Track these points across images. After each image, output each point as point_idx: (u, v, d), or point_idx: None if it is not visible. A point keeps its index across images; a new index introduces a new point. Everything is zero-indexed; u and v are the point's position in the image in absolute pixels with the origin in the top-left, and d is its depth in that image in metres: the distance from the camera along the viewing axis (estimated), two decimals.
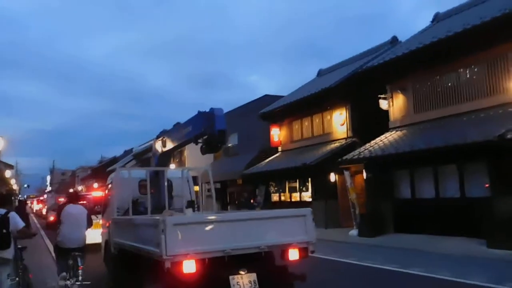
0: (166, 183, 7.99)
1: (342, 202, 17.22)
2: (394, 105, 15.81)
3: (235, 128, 28.86)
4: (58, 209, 7.90)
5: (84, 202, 14.25)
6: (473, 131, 11.50)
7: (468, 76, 13.43)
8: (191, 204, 7.99)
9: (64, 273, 6.80)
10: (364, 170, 15.41)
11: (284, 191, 20.75)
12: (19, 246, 6.33)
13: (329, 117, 19.71)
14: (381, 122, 16.12)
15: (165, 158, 8.04)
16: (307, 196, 18.98)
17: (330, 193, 17.49)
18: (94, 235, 13.26)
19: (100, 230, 12.68)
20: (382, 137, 15.38)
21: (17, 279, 6.02)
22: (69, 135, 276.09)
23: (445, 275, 7.80)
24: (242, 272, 4.85)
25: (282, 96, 25.03)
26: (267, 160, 22.41)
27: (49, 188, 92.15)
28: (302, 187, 19.41)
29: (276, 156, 22.39)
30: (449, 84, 13.94)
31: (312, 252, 5.23)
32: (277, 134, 23.06)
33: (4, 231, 5.61)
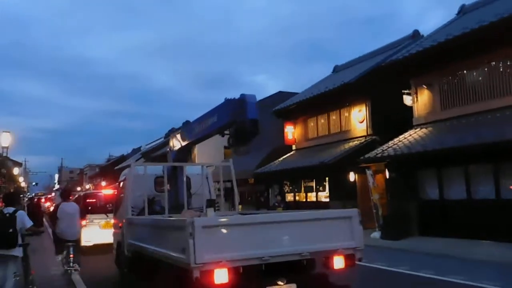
0: (184, 180, 7.32)
1: (362, 202, 16.42)
2: (419, 101, 15.00)
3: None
4: (55, 207, 9.02)
5: (94, 200, 13.72)
6: (509, 128, 10.69)
7: (501, 69, 12.59)
8: (211, 203, 7.29)
9: (59, 258, 8.86)
10: (386, 169, 14.65)
11: (299, 191, 20.02)
12: (22, 243, 6.37)
13: (347, 114, 18.94)
14: (403, 119, 15.32)
15: (184, 153, 7.37)
16: (324, 196, 18.24)
17: (349, 193, 16.72)
18: (104, 235, 12.71)
19: (111, 230, 12.11)
20: (406, 134, 14.60)
21: (18, 276, 6.27)
22: (76, 134, 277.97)
23: (496, 284, 7.01)
24: (280, 283, 4.16)
25: (296, 93, 24.28)
26: (281, 158, 21.67)
27: (57, 186, 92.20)
28: (319, 187, 18.66)
29: (291, 155, 21.66)
30: (480, 79, 13.13)
31: (360, 259, 4.51)
32: (291, 131, 22.31)
33: (11, 230, 5.80)
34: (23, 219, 6.07)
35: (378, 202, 14.23)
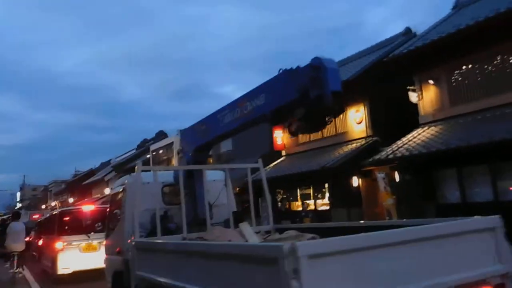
0: (204, 188, 5.77)
1: (367, 209, 15.24)
2: (424, 98, 14.03)
3: None
4: (2, 224, 11.68)
5: (72, 218, 11.79)
6: None
7: None
8: (239, 217, 5.79)
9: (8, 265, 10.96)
10: (396, 172, 13.52)
11: (295, 199, 18.63)
12: None
13: (342, 115, 17.78)
14: (405, 118, 14.35)
15: (204, 153, 5.83)
16: (323, 203, 16.94)
17: (353, 200, 15.48)
18: (86, 260, 10.81)
19: (94, 253, 10.23)
20: (414, 133, 13.55)
21: None
22: (40, 150, 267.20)
23: None
24: None
25: None
26: (272, 165, 20.26)
27: (19, 205, 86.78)
28: (318, 194, 17.36)
29: (282, 161, 20.31)
30: (493, 71, 12.26)
31: None
32: (280, 136, 20.98)
33: None
34: None
35: (392, 208, 13.03)
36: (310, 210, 16.92)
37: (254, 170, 20.02)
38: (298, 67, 3.92)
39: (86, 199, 47.25)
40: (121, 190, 6.46)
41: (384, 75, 15.21)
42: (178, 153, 6.18)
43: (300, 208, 17.97)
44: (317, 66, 3.68)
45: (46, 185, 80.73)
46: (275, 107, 4.18)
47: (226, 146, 27.63)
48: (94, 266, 10.66)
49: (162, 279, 4.06)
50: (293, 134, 4.42)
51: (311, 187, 17.68)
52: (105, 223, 11.06)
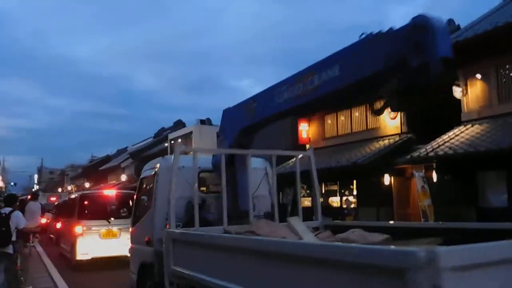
0: (248, 176, 5.09)
1: (398, 209, 14.40)
2: (470, 93, 13.07)
3: None
4: (21, 203, 9.57)
5: (92, 202, 11.25)
6: None
7: None
8: (283, 210, 5.08)
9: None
10: (434, 171, 12.65)
11: (321, 196, 17.85)
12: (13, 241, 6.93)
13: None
14: (444, 115, 13.43)
15: (249, 137, 5.15)
16: (350, 201, 16.15)
17: (383, 199, 14.64)
18: (105, 246, 10.27)
19: (115, 240, 9.69)
20: (456, 131, 12.66)
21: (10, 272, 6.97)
22: (56, 135, 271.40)
23: None
24: None
25: None
26: (293, 160, 19.49)
27: (36, 187, 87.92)
28: (344, 191, 16.56)
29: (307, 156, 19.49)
30: None
31: None
32: (305, 130, 20.18)
33: (4, 228, 6.57)
34: (18, 220, 6.90)
35: (429, 210, 12.18)
36: (353, 208, 16.08)
37: (280, 161, 19.23)
38: (391, 29, 3.18)
39: (102, 185, 47.26)
40: (152, 174, 5.82)
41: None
42: (218, 136, 5.50)
43: (324, 205, 17.21)
44: (422, 26, 2.93)
45: (63, 169, 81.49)
46: (354, 80, 3.44)
47: None
48: (114, 254, 10.15)
49: (211, 280, 3.38)
50: (377, 113, 3.72)
51: (337, 184, 16.89)
52: (130, 209, 10.61)
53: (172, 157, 5.51)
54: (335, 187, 17.05)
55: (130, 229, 6.60)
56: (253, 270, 2.95)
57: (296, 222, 4.53)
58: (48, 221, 17.19)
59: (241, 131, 5.03)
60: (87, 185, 53.54)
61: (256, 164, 5.75)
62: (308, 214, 7.00)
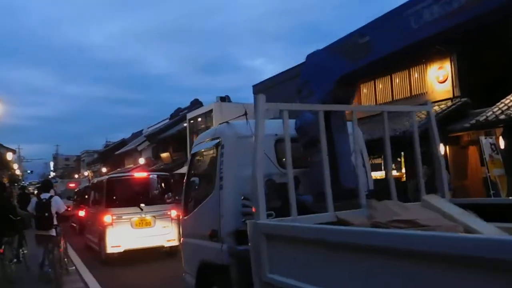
0: (349, 143, 3.71)
1: (455, 182, 12.93)
2: None
3: (278, 99, 24.59)
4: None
5: (122, 187, 9.96)
6: None
7: None
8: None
9: None
10: (501, 137, 11.12)
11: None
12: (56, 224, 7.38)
13: (417, 74, 15.27)
14: (501, 77, 11.84)
15: (350, 89, 3.76)
16: (397, 175, 14.69)
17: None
18: (139, 237, 9.04)
19: (149, 230, 8.50)
20: None
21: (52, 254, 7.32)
22: (71, 121, 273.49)
23: None
24: None
25: None
26: None
27: (52, 174, 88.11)
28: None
29: None
30: None
31: None
32: None
33: (46, 213, 7.16)
34: (58, 204, 7.40)
35: (500, 181, 10.68)
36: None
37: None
38: None
39: (119, 169, 46.46)
40: (212, 146, 4.42)
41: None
42: (299, 92, 4.05)
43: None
44: None
45: (78, 155, 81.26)
46: None
47: (273, 113, 25.44)
48: (148, 245, 8.95)
49: None
50: None
51: (382, 158, 15.41)
52: (164, 193, 9.34)
53: (239, 123, 4.11)
54: (379, 160, 15.59)
55: (181, 218, 5.25)
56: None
57: (442, 202, 3.14)
58: (69, 209, 16.11)
59: (338, 81, 3.59)
60: (103, 170, 52.90)
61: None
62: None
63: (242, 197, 3.78)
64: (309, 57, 3.97)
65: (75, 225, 14.79)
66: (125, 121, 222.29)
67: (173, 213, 9.11)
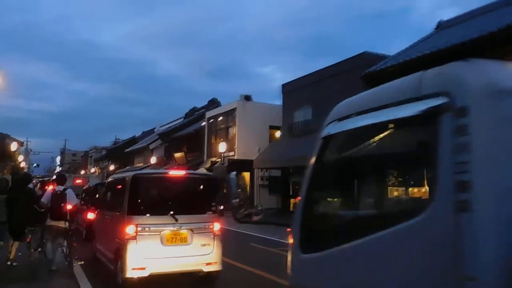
0: None
1: None
2: None
3: (308, 99, 22.51)
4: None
5: (151, 188, 7.59)
6: None
7: None
8: None
9: None
10: None
11: (395, 184, 14.05)
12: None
13: None
14: None
15: None
16: (417, 192, 12.29)
17: None
18: (171, 256, 6.64)
19: (184, 248, 6.33)
20: None
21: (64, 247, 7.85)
22: (79, 118, 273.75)
23: None
24: None
25: (385, 56, 18.80)
26: None
27: (59, 169, 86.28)
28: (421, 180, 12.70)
29: None
30: None
31: None
32: None
33: (62, 205, 7.62)
34: (72, 197, 7.92)
35: None
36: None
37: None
38: None
39: (128, 167, 44.33)
40: (411, 116, 2.07)
41: None
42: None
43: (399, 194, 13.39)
44: None
45: (86, 150, 79.49)
46: None
47: (302, 116, 23.29)
48: (181, 268, 6.63)
49: None
50: None
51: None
52: (197, 198, 6.91)
53: (489, 62, 1.81)
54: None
55: (292, 250, 2.90)
56: None
57: None
58: (74, 208, 13.83)
59: None
60: (111, 167, 50.84)
61: None
62: None
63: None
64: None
65: (81, 228, 12.50)
66: (133, 121, 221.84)
67: (216, 226, 6.81)
